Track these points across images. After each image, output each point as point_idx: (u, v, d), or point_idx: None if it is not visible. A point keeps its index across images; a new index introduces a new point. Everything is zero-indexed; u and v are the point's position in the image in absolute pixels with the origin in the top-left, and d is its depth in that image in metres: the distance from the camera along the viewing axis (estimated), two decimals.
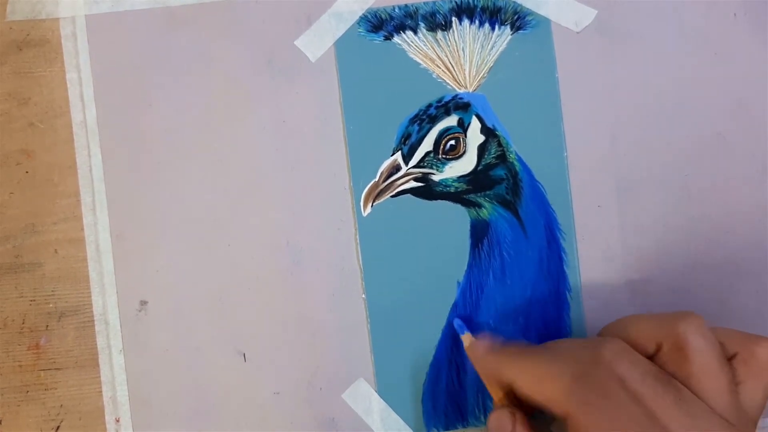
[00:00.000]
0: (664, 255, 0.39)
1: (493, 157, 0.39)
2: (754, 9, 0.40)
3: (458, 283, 0.39)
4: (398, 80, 0.39)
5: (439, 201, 0.39)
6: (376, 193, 0.39)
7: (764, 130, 0.40)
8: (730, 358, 0.32)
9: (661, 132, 0.40)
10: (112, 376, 0.38)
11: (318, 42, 0.39)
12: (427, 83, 0.39)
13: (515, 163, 0.39)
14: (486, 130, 0.39)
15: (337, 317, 0.39)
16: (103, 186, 0.39)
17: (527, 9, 0.39)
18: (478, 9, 0.39)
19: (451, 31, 0.39)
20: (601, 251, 0.39)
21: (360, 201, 0.39)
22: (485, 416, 0.39)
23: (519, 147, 0.39)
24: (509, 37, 0.39)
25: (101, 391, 0.39)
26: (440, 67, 0.39)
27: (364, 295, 0.39)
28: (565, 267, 0.39)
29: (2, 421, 0.38)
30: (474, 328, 0.39)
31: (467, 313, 0.39)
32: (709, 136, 0.40)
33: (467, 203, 0.39)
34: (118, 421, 0.38)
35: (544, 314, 0.39)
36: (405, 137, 0.39)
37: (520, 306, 0.39)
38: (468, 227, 0.39)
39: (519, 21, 0.39)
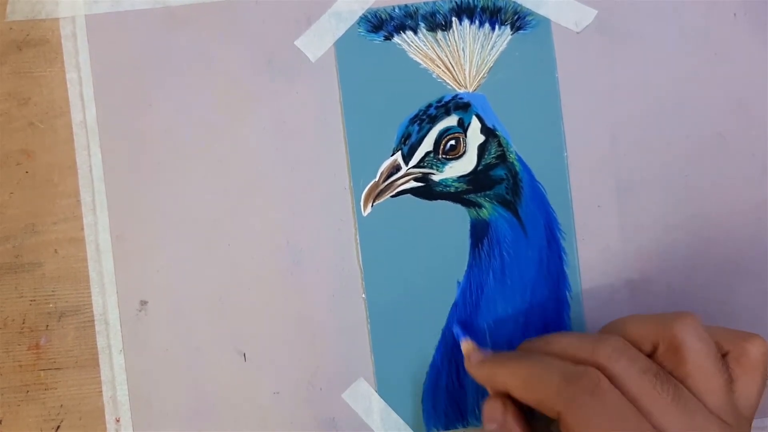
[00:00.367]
0: (664, 255, 0.39)
1: (493, 157, 0.39)
2: (754, 9, 0.40)
3: (458, 283, 0.39)
4: (398, 80, 0.39)
5: (439, 201, 0.39)
6: (376, 193, 0.39)
7: (764, 130, 0.40)
8: (722, 356, 0.32)
9: (662, 132, 0.40)
10: (112, 376, 0.38)
11: (318, 42, 0.39)
12: (427, 83, 0.39)
13: (515, 163, 0.39)
14: (486, 130, 0.39)
15: (337, 317, 0.39)
16: (103, 186, 0.39)
17: (527, 9, 0.39)
18: (478, 9, 0.39)
19: (451, 31, 0.39)
20: (601, 251, 0.39)
21: (360, 201, 0.39)
22: None
23: (519, 147, 0.39)
24: (509, 37, 0.39)
25: (101, 391, 0.39)
26: (440, 67, 0.39)
27: (364, 295, 0.39)
28: (565, 267, 0.39)
29: (2, 421, 0.38)
30: (474, 330, 0.39)
31: (467, 312, 0.39)
32: (710, 136, 0.40)
33: (467, 203, 0.39)
34: (118, 420, 0.38)
35: (544, 314, 0.39)
36: (405, 137, 0.39)
37: (520, 306, 0.39)
38: (468, 227, 0.39)
39: (519, 21, 0.39)
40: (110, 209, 0.39)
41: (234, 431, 0.38)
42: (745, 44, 0.40)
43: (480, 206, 0.39)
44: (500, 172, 0.39)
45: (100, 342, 0.39)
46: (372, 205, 0.39)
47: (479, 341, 0.39)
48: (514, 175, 0.39)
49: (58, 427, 0.38)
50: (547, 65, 0.39)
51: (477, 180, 0.39)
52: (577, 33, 0.40)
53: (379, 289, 0.39)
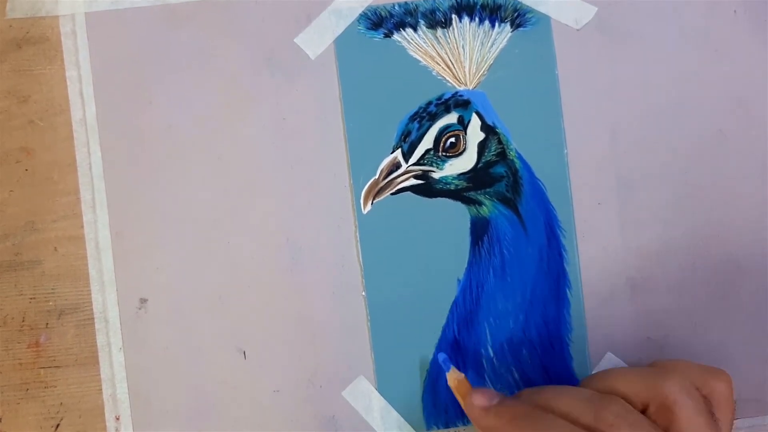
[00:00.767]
0: (664, 252, 0.39)
1: (493, 155, 0.39)
2: (754, 7, 0.40)
3: (458, 280, 0.39)
4: (398, 78, 0.39)
5: (439, 198, 0.39)
6: (376, 191, 0.39)
7: (764, 128, 0.40)
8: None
9: (662, 129, 0.40)
10: (112, 374, 0.38)
11: (318, 39, 0.39)
12: (427, 81, 0.39)
13: (515, 160, 0.39)
14: (486, 127, 0.39)
15: (338, 315, 0.39)
16: (102, 184, 0.39)
17: (527, 6, 0.39)
18: (478, 6, 0.39)
19: (451, 28, 0.39)
20: (601, 248, 0.39)
21: (360, 198, 0.39)
22: None
23: (519, 144, 0.39)
24: (509, 34, 0.39)
25: (101, 389, 0.38)
26: (440, 65, 0.39)
27: (364, 293, 0.39)
28: (565, 264, 0.39)
29: (2, 419, 0.38)
30: (474, 327, 0.39)
31: (468, 310, 0.39)
32: (710, 133, 0.40)
33: (467, 201, 0.39)
34: (118, 419, 0.38)
35: (544, 311, 0.39)
36: (405, 135, 0.39)
37: (521, 303, 0.39)
38: (468, 225, 0.39)
39: (519, 18, 0.39)
40: (110, 207, 0.39)
41: (234, 429, 0.38)
42: (745, 42, 0.40)
43: (480, 204, 0.39)
44: (500, 169, 0.39)
45: (100, 340, 0.39)
46: (372, 203, 0.39)
47: (479, 341, 0.39)
48: (514, 172, 0.39)
49: (58, 425, 0.38)
50: (547, 63, 0.39)
51: (477, 177, 0.39)
52: (577, 30, 0.40)
53: (379, 287, 0.39)
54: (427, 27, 0.39)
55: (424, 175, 0.39)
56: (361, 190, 0.39)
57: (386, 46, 0.39)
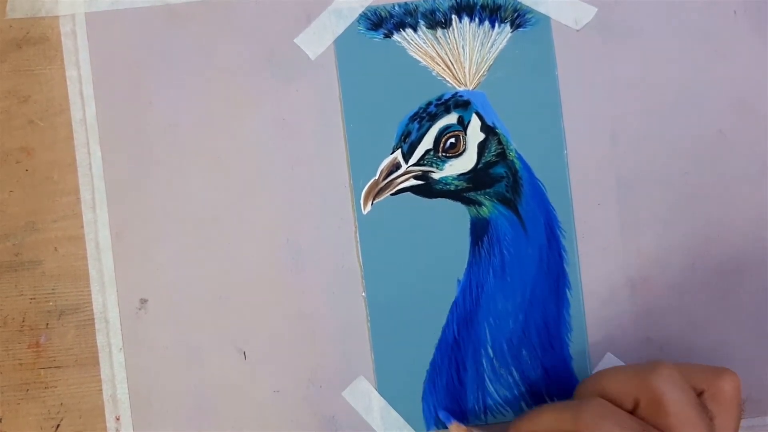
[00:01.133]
0: (664, 253, 0.39)
1: (493, 155, 0.39)
2: (753, 7, 0.40)
3: (458, 281, 0.39)
4: (398, 78, 0.39)
5: (439, 199, 0.39)
6: (376, 191, 0.39)
7: (765, 128, 0.40)
8: (698, 395, 0.33)
9: (662, 130, 0.40)
10: (112, 374, 0.38)
11: (318, 40, 0.39)
12: (427, 81, 0.39)
13: (515, 160, 0.39)
14: (486, 127, 0.39)
15: (337, 315, 0.39)
16: (102, 184, 0.39)
17: (527, 7, 0.39)
18: (478, 7, 0.39)
19: (450, 28, 0.39)
20: (601, 249, 0.39)
21: (360, 199, 0.39)
22: (485, 414, 0.39)
23: (519, 145, 0.39)
24: (509, 34, 0.39)
25: (101, 390, 0.39)
26: (440, 65, 0.39)
27: (364, 293, 0.39)
28: (565, 265, 0.39)
29: (2, 419, 0.38)
30: (474, 327, 0.39)
31: (467, 310, 0.39)
32: (710, 133, 0.40)
33: (467, 201, 0.39)
34: (118, 419, 0.38)
35: (544, 312, 0.39)
36: (405, 135, 0.39)
37: (520, 304, 0.39)
38: (468, 225, 0.39)
39: (519, 19, 0.39)
40: (110, 207, 0.39)
41: (234, 429, 0.38)
42: (745, 42, 0.40)
43: (480, 204, 0.39)
44: (500, 170, 0.39)
45: (100, 340, 0.39)
46: (372, 203, 0.39)
47: (479, 341, 0.39)
48: (514, 173, 0.39)
49: (58, 425, 0.38)
50: (546, 63, 0.39)
51: (477, 178, 0.39)
52: (577, 31, 0.40)
53: (379, 288, 0.39)
54: (427, 27, 0.39)
55: (424, 176, 0.39)
56: (361, 191, 0.39)
57: (386, 47, 0.39)
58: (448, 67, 0.39)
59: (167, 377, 0.38)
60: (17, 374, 0.39)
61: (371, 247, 0.39)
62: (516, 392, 0.39)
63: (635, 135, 0.39)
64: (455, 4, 0.39)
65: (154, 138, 0.39)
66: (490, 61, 0.39)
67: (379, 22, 0.39)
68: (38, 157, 0.39)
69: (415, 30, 0.39)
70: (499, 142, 0.39)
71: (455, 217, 0.39)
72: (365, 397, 0.39)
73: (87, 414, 0.38)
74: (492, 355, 0.39)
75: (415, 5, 0.39)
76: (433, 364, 0.39)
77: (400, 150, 0.39)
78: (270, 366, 0.39)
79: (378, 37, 0.39)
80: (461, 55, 0.39)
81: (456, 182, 0.39)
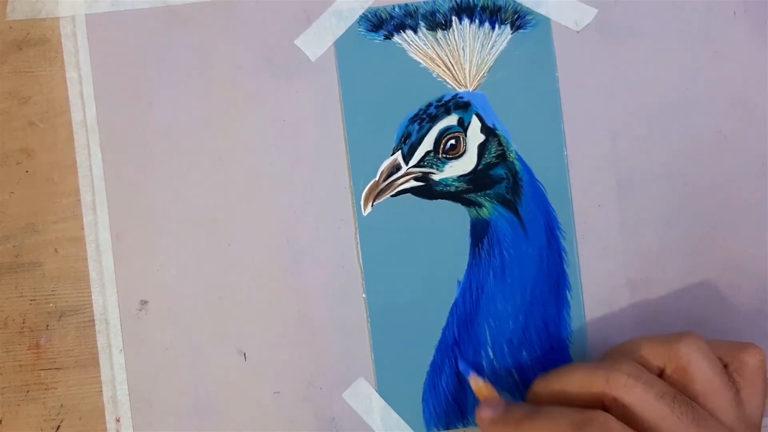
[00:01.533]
0: (664, 254, 0.39)
1: (493, 157, 0.39)
2: (753, 7, 0.40)
3: (458, 282, 0.39)
4: (398, 79, 0.39)
5: (439, 200, 0.39)
6: (377, 193, 0.39)
7: (764, 128, 0.40)
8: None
9: (662, 131, 0.40)
10: (112, 376, 0.38)
11: (318, 41, 0.39)
12: (427, 82, 0.39)
13: (515, 162, 0.39)
14: (486, 129, 0.39)
15: (338, 316, 0.39)
16: (103, 185, 0.39)
17: (527, 8, 0.39)
18: (478, 8, 0.39)
19: (451, 30, 0.39)
20: (602, 250, 0.39)
21: (360, 200, 0.39)
22: None
23: (519, 146, 0.39)
24: (509, 36, 0.39)
25: (101, 391, 0.39)
26: (440, 67, 0.39)
27: (364, 295, 0.39)
28: (565, 266, 0.39)
29: (2, 420, 0.38)
30: (474, 329, 0.39)
31: (468, 312, 0.39)
32: (710, 134, 0.40)
33: (467, 202, 0.39)
34: (118, 420, 0.38)
35: (544, 313, 0.39)
36: (405, 137, 0.39)
37: (521, 305, 0.39)
38: (468, 226, 0.39)
39: (519, 20, 0.39)
40: (110, 208, 0.39)
41: (234, 431, 0.38)
42: (745, 43, 0.40)
43: (480, 205, 0.39)
44: (500, 171, 0.39)
45: (101, 341, 0.39)
46: (372, 205, 0.39)
47: (479, 342, 0.39)
48: (514, 174, 0.39)
49: (59, 426, 0.38)
50: (547, 64, 0.39)
51: (477, 179, 0.39)
52: (577, 32, 0.40)
53: (379, 289, 0.39)
54: (427, 29, 0.39)
55: (424, 177, 0.39)
56: (361, 192, 0.39)
57: (386, 48, 0.39)
58: (449, 69, 0.39)
59: (167, 378, 0.39)
60: (17, 376, 0.39)
61: (371, 249, 0.39)
62: (516, 393, 0.39)
63: (635, 136, 0.39)
64: (455, 6, 0.39)
65: (155, 139, 0.39)
66: (490, 63, 0.39)
67: (379, 24, 0.39)
68: (38, 159, 0.39)
69: (415, 31, 0.39)
70: (500, 144, 0.39)
71: (455, 218, 0.39)
72: (365, 399, 0.39)
73: (87, 415, 0.39)
74: (492, 356, 0.39)
75: (416, 7, 0.39)
76: (433, 365, 0.39)
77: (400, 151, 0.39)
78: (270, 367, 0.39)
79: (378, 38, 0.39)
80: (461, 57, 0.39)
81: (456, 184, 0.39)
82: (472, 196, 0.39)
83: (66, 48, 0.39)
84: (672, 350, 0.32)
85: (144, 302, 0.39)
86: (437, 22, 0.39)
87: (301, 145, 0.39)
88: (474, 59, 0.39)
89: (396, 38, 0.39)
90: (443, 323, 0.39)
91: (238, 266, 0.39)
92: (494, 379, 0.39)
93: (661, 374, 0.33)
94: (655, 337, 0.34)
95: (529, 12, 0.39)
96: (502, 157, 0.39)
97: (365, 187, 0.39)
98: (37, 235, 0.39)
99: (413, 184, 0.39)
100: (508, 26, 0.39)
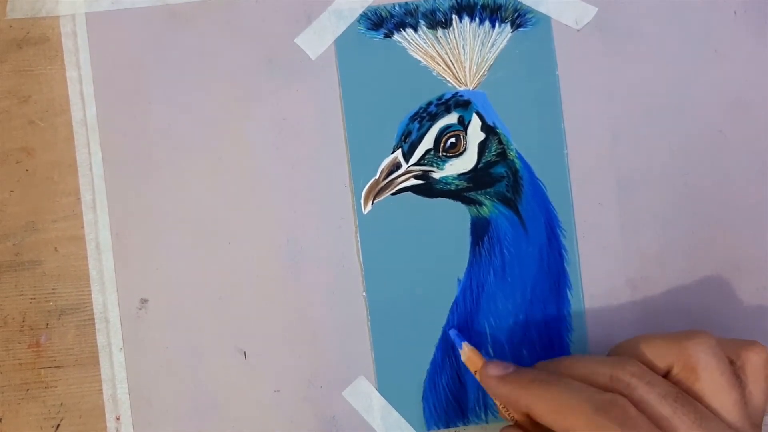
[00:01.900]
0: (664, 253, 0.39)
1: (493, 155, 0.39)
2: (754, 7, 0.40)
3: (459, 280, 0.39)
4: (398, 78, 0.39)
5: (439, 199, 0.39)
6: (377, 191, 0.39)
7: (764, 128, 0.40)
8: None
9: (662, 130, 0.40)
10: (112, 374, 0.38)
11: (318, 40, 0.39)
12: (428, 81, 0.39)
13: (516, 160, 0.39)
14: (486, 127, 0.39)
15: (338, 315, 0.39)
16: (103, 184, 0.39)
17: (527, 7, 0.39)
18: (479, 7, 0.39)
19: (451, 28, 0.39)
20: (602, 249, 0.39)
21: (360, 199, 0.39)
22: (486, 414, 0.39)
23: (519, 144, 0.39)
24: (509, 34, 0.39)
25: (101, 389, 0.38)
26: (440, 65, 0.39)
27: (364, 293, 0.39)
28: (565, 264, 0.39)
29: (2, 419, 0.38)
30: (474, 327, 0.39)
31: (468, 310, 0.39)
32: (710, 133, 0.40)
33: (468, 201, 0.39)
34: (118, 419, 0.38)
35: (544, 312, 0.39)
36: (405, 135, 0.39)
37: (521, 303, 0.39)
38: (468, 225, 0.39)
39: (519, 19, 0.39)
40: (110, 207, 0.39)
41: (234, 429, 0.38)
42: (745, 43, 0.40)
43: (480, 204, 0.39)
44: (500, 169, 0.39)
45: (101, 340, 0.39)
46: (372, 203, 0.39)
47: (479, 341, 0.39)
48: (515, 172, 0.39)
49: (59, 425, 0.38)
50: (547, 63, 0.39)
51: (477, 178, 0.39)
52: (578, 31, 0.40)
53: (379, 287, 0.39)
54: (427, 27, 0.39)
55: (424, 176, 0.39)
56: (362, 190, 0.39)
57: (386, 47, 0.39)
58: (449, 67, 0.39)
59: (167, 377, 0.38)
60: (17, 374, 0.38)
61: (371, 247, 0.39)
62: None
63: (635, 135, 0.40)
64: (456, 4, 0.39)
65: (155, 138, 0.39)
66: (490, 61, 0.39)
67: (379, 22, 0.39)
68: (39, 158, 0.39)
69: (415, 30, 0.39)
70: (500, 142, 0.39)
71: (456, 216, 0.39)
72: (366, 397, 0.39)
73: (87, 414, 0.38)
74: (492, 354, 0.39)
75: (416, 5, 0.39)
76: (433, 363, 0.39)
77: (400, 150, 0.39)
78: (270, 366, 0.39)
79: (378, 37, 0.39)
80: (462, 55, 0.39)
81: (456, 182, 0.39)
82: (472, 194, 0.39)
83: (66, 47, 0.39)
84: (682, 349, 0.32)
85: (144, 301, 0.39)
86: (437, 21, 0.39)
87: (301, 144, 0.39)
88: (474, 57, 0.39)
89: (396, 37, 0.39)
90: (443, 322, 0.39)
91: (238, 265, 0.39)
92: None
93: (668, 372, 0.33)
94: (665, 335, 0.34)
95: (530, 10, 0.39)
96: (503, 155, 0.39)
97: (365, 185, 0.39)
98: (37, 233, 0.39)
99: (413, 182, 0.39)
100: (509, 25, 0.39)
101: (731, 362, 0.33)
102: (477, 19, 0.39)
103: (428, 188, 0.39)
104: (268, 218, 0.39)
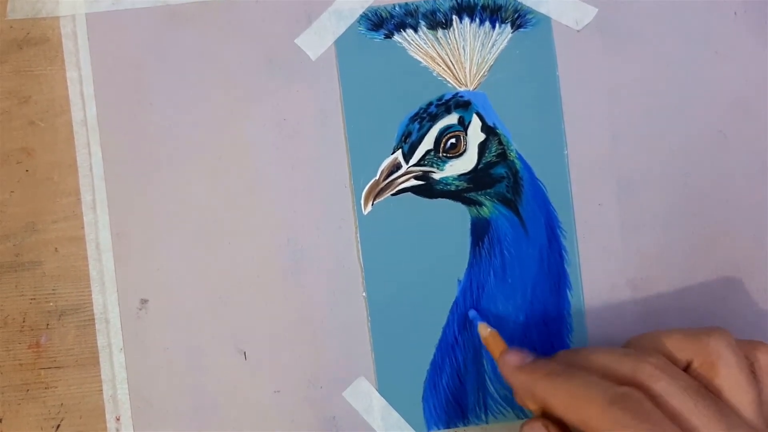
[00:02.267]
0: (664, 253, 0.39)
1: (493, 156, 0.39)
2: (754, 7, 0.40)
3: (459, 281, 0.39)
4: (399, 79, 0.39)
5: (439, 199, 0.39)
6: (377, 192, 0.39)
7: (764, 129, 0.40)
8: None
9: (662, 130, 0.40)
10: (112, 375, 0.38)
11: (318, 40, 0.39)
12: (428, 81, 0.39)
13: (516, 161, 0.39)
14: (486, 128, 0.39)
15: (338, 315, 0.39)
16: (103, 184, 0.39)
17: (528, 7, 0.39)
18: (479, 7, 0.39)
19: (451, 29, 0.39)
20: (602, 249, 0.39)
21: (360, 199, 0.39)
22: (486, 414, 0.39)
23: (519, 145, 0.39)
24: (510, 35, 0.39)
25: (102, 390, 0.39)
26: (441, 66, 0.39)
27: (364, 294, 0.39)
28: (565, 265, 0.39)
29: (3, 419, 0.38)
30: (474, 330, 0.39)
31: (468, 310, 0.39)
32: (710, 134, 0.40)
33: (468, 201, 0.39)
34: (118, 419, 0.38)
35: (544, 312, 0.39)
36: (405, 135, 0.39)
37: (521, 304, 0.39)
38: (468, 225, 0.39)
39: (519, 19, 0.39)
40: (110, 208, 0.39)
41: (234, 430, 0.38)
42: (745, 43, 0.40)
43: (480, 204, 0.39)
44: (501, 170, 0.39)
45: (101, 340, 0.39)
46: (372, 204, 0.39)
47: (480, 342, 0.39)
48: (515, 173, 0.39)
49: (59, 425, 0.38)
50: (547, 63, 0.39)
51: (477, 178, 0.39)
52: (578, 31, 0.40)
53: (379, 288, 0.39)
54: (427, 28, 0.39)
55: (424, 176, 0.39)
56: (362, 191, 0.39)
57: (387, 47, 0.39)
58: (449, 68, 0.39)
59: (167, 377, 0.38)
60: (17, 374, 0.38)
61: (371, 247, 0.39)
62: None
63: (636, 135, 0.40)
64: (456, 5, 0.39)
65: (155, 138, 0.39)
66: (490, 62, 0.39)
67: (379, 23, 0.39)
68: (39, 158, 0.39)
69: (415, 30, 0.39)
70: (500, 143, 0.39)
71: (456, 217, 0.39)
72: (366, 398, 0.39)
73: (87, 414, 0.38)
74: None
75: (416, 6, 0.39)
76: (433, 364, 0.39)
77: (400, 150, 0.39)
78: (270, 366, 0.39)
79: (379, 37, 0.39)
80: (462, 56, 0.39)
81: (456, 182, 0.39)
82: (472, 195, 0.39)
83: (66, 47, 0.39)
84: (701, 344, 0.32)
85: (144, 301, 0.39)
86: (438, 21, 0.39)
87: (301, 144, 0.39)
88: (474, 58, 0.39)
89: (396, 37, 0.39)
90: (444, 322, 0.39)
91: (238, 265, 0.39)
92: (496, 378, 0.39)
93: (687, 367, 0.33)
94: (684, 330, 0.34)
95: (530, 11, 0.39)
96: (503, 156, 0.39)
97: (365, 186, 0.39)
98: (38, 234, 0.39)
99: (413, 183, 0.39)
100: (509, 25, 0.39)
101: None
102: (477, 20, 0.39)
103: (428, 189, 0.39)
104: (268, 218, 0.39)
